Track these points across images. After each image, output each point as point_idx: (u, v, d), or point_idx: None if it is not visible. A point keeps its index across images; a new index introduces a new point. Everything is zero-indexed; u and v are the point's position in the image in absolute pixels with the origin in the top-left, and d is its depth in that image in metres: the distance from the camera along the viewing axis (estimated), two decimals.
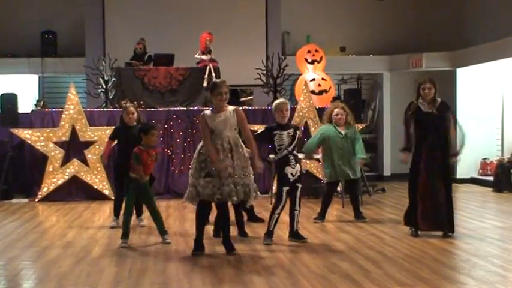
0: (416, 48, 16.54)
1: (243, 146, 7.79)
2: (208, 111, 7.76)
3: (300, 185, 8.42)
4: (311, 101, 13.58)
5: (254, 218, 9.88)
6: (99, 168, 12.84)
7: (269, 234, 8.37)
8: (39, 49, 16.28)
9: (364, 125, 14.65)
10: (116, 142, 9.99)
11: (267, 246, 8.16)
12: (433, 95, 8.63)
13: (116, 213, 9.68)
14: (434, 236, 8.60)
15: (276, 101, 8.68)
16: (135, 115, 9.67)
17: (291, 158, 8.32)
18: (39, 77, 16.68)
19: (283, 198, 8.29)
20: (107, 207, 11.88)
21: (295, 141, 8.38)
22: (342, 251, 7.84)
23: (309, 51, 15.64)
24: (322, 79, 15.40)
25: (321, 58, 15.57)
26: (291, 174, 8.31)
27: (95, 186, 12.90)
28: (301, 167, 8.51)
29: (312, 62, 15.54)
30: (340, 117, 10.12)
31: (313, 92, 14.71)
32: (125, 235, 8.39)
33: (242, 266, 7.15)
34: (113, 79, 13.70)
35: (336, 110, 10.18)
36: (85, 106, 14.28)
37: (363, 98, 16.81)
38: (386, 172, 17.02)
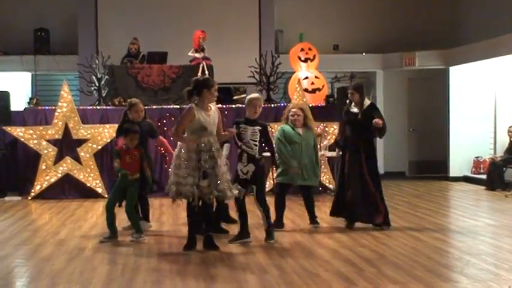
0: (410, 46, 16.55)
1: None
2: (194, 105, 7.71)
3: (254, 187, 8.24)
4: (304, 99, 13.56)
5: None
6: (92, 166, 12.82)
7: (241, 233, 8.33)
8: (32, 47, 16.24)
9: None
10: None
11: (259, 244, 8.16)
12: (358, 99, 9.29)
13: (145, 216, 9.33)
14: (427, 235, 8.63)
15: (250, 96, 8.57)
16: (143, 112, 9.36)
17: (245, 155, 8.18)
18: (32, 74, 16.64)
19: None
20: (100, 205, 11.84)
21: (258, 139, 8.23)
22: (335, 249, 7.83)
23: (302, 49, 15.65)
24: (316, 77, 15.41)
25: (314, 56, 15.58)
26: (241, 171, 8.21)
27: (88, 184, 12.87)
28: (257, 167, 8.21)
29: (305, 60, 15.55)
30: (296, 118, 9.36)
31: (306, 90, 14.72)
32: (139, 230, 8.53)
33: (235, 264, 7.15)
34: (106, 77, 13.66)
35: (293, 110, 9.50)
36: (78, 104, 14.25)
37: None
38: (380, 170, 16.94)
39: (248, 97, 8.54)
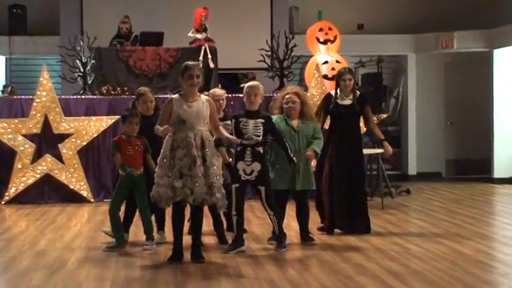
0: (447, 25, 16.48)
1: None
2: (177, 96, 7.85)
3: (262, 188, 8.28)
4: (324, 87, 13.54)
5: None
6: (76, 166, 12.82)
7: (236, 240, 8.38)
8: (6, 26, 16.23)
9: (385, 115, 14.61)
10: None
11: (269, 254, 8.15)
12: (352, 87, 9.48)
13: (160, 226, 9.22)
14: (467, 246, 8.58)
15: (246, 84, 8.62)
16: (153, 103, 9.21)
17: (248, 153, 8.21)
18: (6, 58, 16.67)
19: (232, 196, 8.22)
20: (85, 211, 11.87)
21: (261, 135, 8.25)
22: (359, 263, 7.80)
23: (321, 29, 15.57)
24: (337, 62, 15.33)
25: (335, 37, 15.50)
26: (243, 171, 8.23)
27: (71, 187, 12.89)
28: (263, 166, 8.27)
29: (325, 42, 15.47)
30: (292, 106, 8.77)
31: (325, 76, 14.65)
32: (151, 237, 8.69)
33: (242, 280, 7.10)
34: (92, 61, 13.67)
35: (287, 96, 8.83)
36: (60, 93, 14.28)
37: (385, 84, 16.75)
38: (412, 171, 16.99)
39: (245, 86, 8.59)
